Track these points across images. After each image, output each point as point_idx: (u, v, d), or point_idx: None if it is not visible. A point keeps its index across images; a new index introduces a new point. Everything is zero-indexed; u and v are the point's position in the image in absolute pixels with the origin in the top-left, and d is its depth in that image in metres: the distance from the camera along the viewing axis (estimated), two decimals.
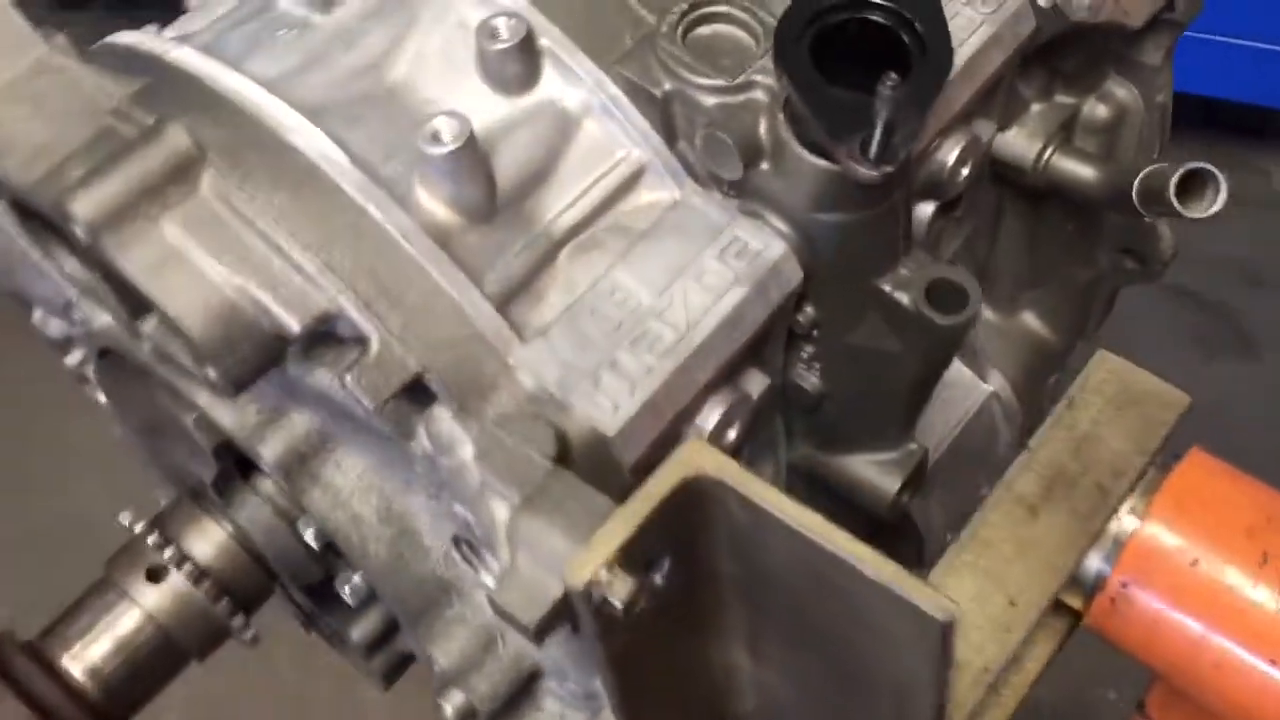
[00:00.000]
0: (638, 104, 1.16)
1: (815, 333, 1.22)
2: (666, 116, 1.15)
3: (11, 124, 1.05)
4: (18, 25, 1.11)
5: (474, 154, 1.07)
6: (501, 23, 1.14)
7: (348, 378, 1.00)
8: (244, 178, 1.04)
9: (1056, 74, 1.43)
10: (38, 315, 1.37)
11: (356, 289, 1.03)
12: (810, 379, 1.27)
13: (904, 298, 1.17)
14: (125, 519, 1.30)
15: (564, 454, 0.99)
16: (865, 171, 1.03)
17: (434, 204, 1.09)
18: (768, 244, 1.13)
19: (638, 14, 1.19)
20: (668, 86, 1.14)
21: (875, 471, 1.34)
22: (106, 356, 1.30)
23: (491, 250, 1.11)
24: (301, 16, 1.18)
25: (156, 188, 1.01)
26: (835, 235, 1.14)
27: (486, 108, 1.15)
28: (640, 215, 1.16)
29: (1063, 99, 1.45)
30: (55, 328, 1.37)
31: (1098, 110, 1.49)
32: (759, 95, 1.12)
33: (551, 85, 1.16)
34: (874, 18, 1.07)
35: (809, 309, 1.19)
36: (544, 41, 1.15)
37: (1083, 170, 1.41)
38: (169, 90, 1.10)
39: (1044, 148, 1.41)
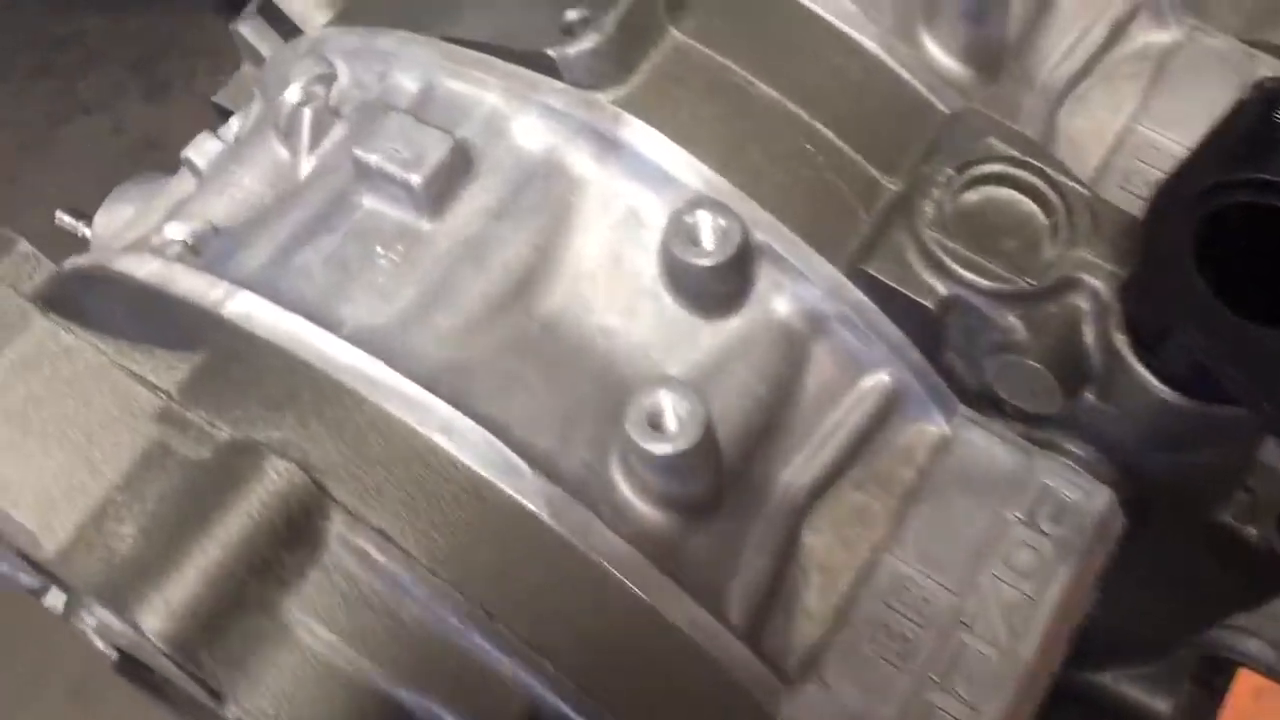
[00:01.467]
0: (889, 309, 0.83)
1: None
2: (931, 323, 0.82)
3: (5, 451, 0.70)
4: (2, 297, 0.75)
5: (709, 444, 0.73)
6: (703, 223, 0.79)
7: None
8: (377, 506, 0.70)
9: None
10: (4, 567, 1.00)
11: (570, 668, 0.70)
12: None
13: (1251, 531, 0.86)
14: None
15: None
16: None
17: (647, 507, 0.76)
18: (1089, 493, 0.82)
19: (866, 173, 0.86)
20: (942, 291, 0.81)
21: (1141, 691, 1.05)
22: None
23: (722, 552, 0.78)
24: (402, 222, 0.82)
25: (264, 561, 0.67)
26: (1175, 473, 0.83)
27: (684, 337, 0.82)
28: (902, 461, 0.84)
29: None
30: (28, 579, 1.01)
31: None
32: (1079, 302, 0.80)
33: (770, 296, 0.82)
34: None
35: None
36: (759, 236, 0.81)
37: None
38: (235, 368, 0.75)
39: None
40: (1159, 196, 0.76)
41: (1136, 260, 0.77)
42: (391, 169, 0.80)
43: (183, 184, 1.00)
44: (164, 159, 3.34)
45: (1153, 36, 1.00)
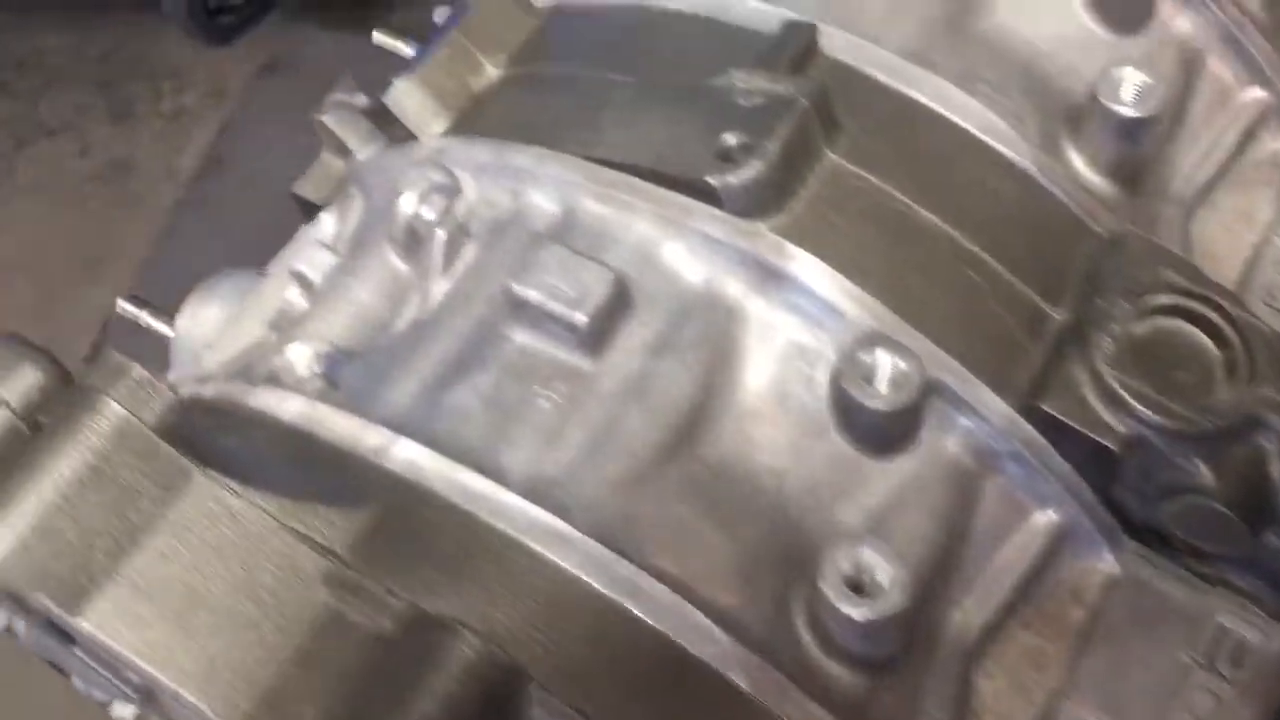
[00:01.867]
0: (1059, 445, 0.80)
1: None
2: (1106, 462, 0.80)
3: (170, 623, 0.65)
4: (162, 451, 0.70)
5: (912, 607, 0.70)
6: (881, 364, 0.76)
7: None
8: (573, 682, 0.67)
9: None
10: (78, 682, 0.95)
11: None
12: None
13: None
14: None
15: None
16: None
17: (835, 666, 0.73)
18: (1268, 634, 0.79)
19: (1031, 301, 0.83)
20: (1123, 430, 0.78)
21: None
22: None
23: (906, 708, 0.75)
24: (560, 360, 0.78)
25: None
26: None
27: (854, 478, 0.78)
28: (1072, 600, 0.81)
29: None
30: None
31: None
32: (1265, 442, 0.77)
33: (941, 434, 0.79)
34: None
35: None
36: (932, 372, 0.78)
37: None
38: (404, 525, 0.71)
39: None
40: None
41: None
42: (554, 307, 0.76)
43: (278, 288, 0.95)
44: (132, 182, 3.25)
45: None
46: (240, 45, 3.42)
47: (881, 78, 0.87)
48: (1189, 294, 0.81)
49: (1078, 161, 0.89)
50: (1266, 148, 0.98)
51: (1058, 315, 0.82)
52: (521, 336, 0.78)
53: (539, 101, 0.90)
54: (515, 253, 0.82)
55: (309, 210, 1.08)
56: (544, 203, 0.84)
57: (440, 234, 0.84)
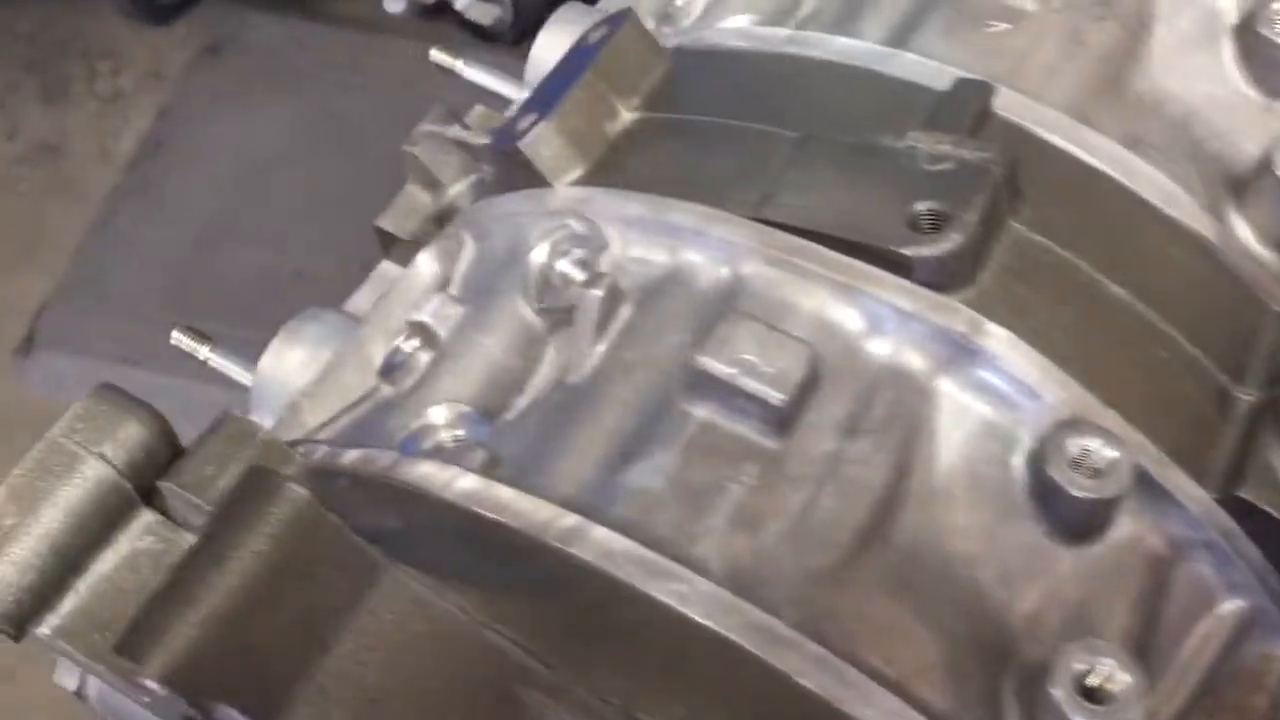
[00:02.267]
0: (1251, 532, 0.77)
1: None
2: None
3: None
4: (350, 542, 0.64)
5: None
6: (1093, 452, 0.72)
7: None
8: None
9: None
10: None
11: None
12: None
13: None
14: None
15: None
16: None
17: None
18: None
19: (1218, 382, 0.80)
20: None
21: None
22: None
23: None
24: (746, 439, 0.73)
25: None
26: None
27: (1046, 564, 0.75)
28: (1253, 688, 0.79)
29: None
30: None
31: None
32: None
33: (1136, 521, 0.76)
34: None
35: None
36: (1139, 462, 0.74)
37: None
38: (607, 623, 0.66)
39: None
40: None
41: None
42: (748, 384, 0.71)
43: (385, 335, 0.89)
44: (64, 166, 3.12)
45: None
46: (180, 25, 3.29)
47: (1055, 140, 0.83)
48: None
49: (1244, 232, 0.86)
50: None
51: (1245, 396, 0.79)
52: (702, 412, 0.73)
53: (690, 153, 0.84)
54: (683, 318, 0.76)
55: (389, 243, 1.02)
56: (708, 265, 0.79)
57: (595, 293, 0.79)
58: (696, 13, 1.01)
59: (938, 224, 0.75)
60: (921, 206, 0.75)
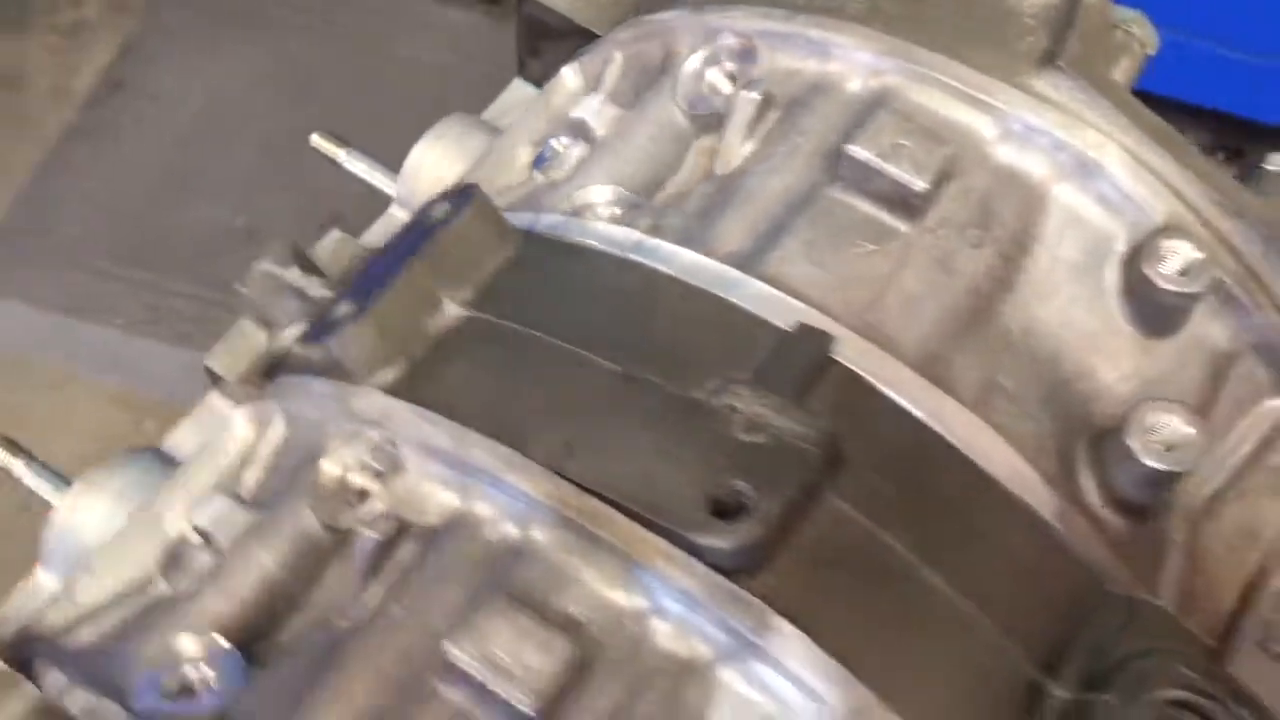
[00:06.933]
0: None
1: None
2: None
3: None
4: None
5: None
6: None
7: None
8: None
9: None
10: None
11: None
12: None
13: None
14: None
15: None
16: None
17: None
18: None
19: (1027, 673, 0.74)
20: None
21: None
22: None
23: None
24: None
25: None
26: None
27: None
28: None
29: None
30: None
31: None
32: None
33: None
34: None
35: None
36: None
37: None
38: None
39: None
40: None
41: None
42: (495, 687, 0.67)
43: (201, 516, 0.84)
44: (19, 100, 3.05)
45: None
46: None
47: (898, 399, 0.77)
48: (1194, 689, 0.73)
49: (1091, 492, 0.81)
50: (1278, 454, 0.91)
51: (1058, 693, 0.74)
52: (456, 696, 0.69)
53: (508, 372, 0.78)
54: (435, 597, 0.72)
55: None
56: (497, 521, 0.74)
57: (371, 536, 0.73)
58: (569, 165, 0.95)
59: (740, 507, 0.69)
60: (724, 487, 0.69)
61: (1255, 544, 0.89)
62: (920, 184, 0.82)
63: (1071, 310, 0.85)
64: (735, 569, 0.70)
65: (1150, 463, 0.78)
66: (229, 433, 0.87)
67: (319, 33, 3.06)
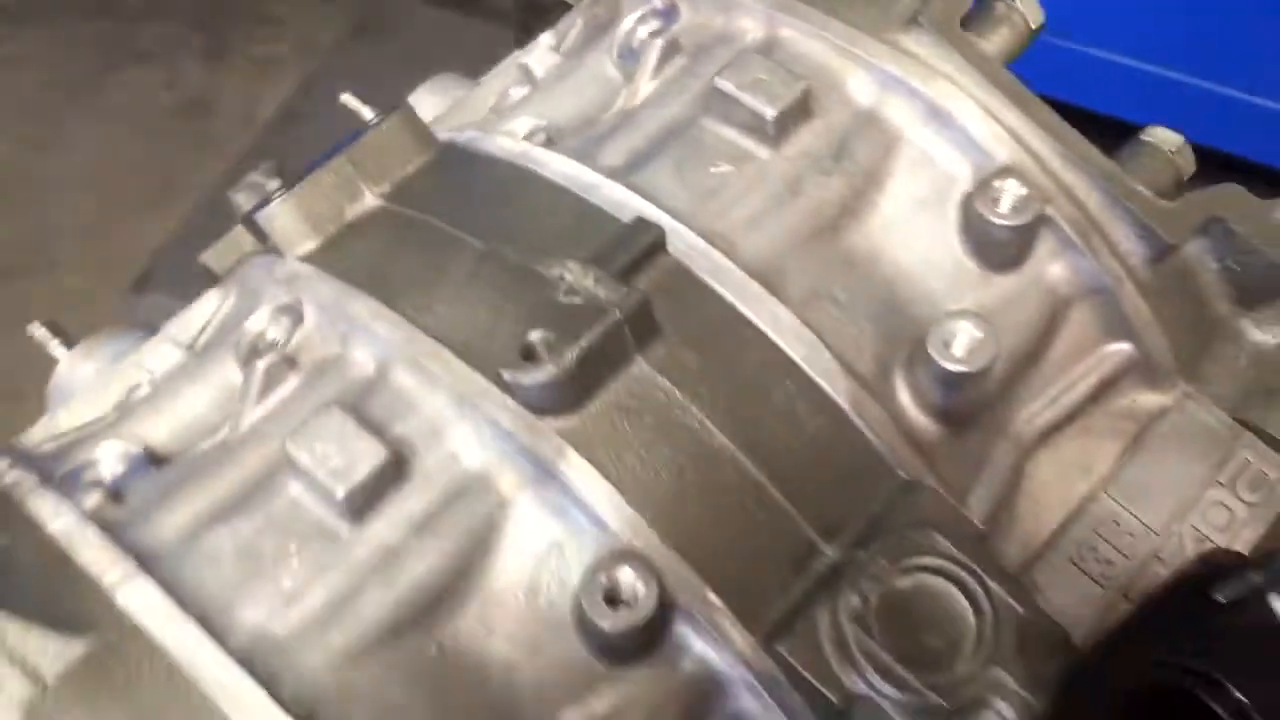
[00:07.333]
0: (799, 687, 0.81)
1: None
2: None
3: None
4: None
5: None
6: (623, 582, 0.78)
7: None
8: None
9: None
10: None
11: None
12: None
13: None
14: None
15: None
16: None
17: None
18: None
19: (806, 537, 0.84)
20: (849, 689, 0.79)
21: None
22: None
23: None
24: (322, 522, 0.81)
25: None
26: None
27: (585, 680, 0.81)
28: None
29: None
30: None
31: None
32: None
33: (681, 652, 0.81)
34: (1201, 695, 0.73)
35: None
36: (680, 597, 0.80)
37: None
38: (117, 668, 0.75)
39: None
40: (1074, 676, 0.74)
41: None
42: (319, 475, 0.79)
43: (152, 360, 0.99)
44: (209, 123, 3.29)
45: (1142, 397, 0.98)
46: (343, 4, 3.46)
47: (716, 288, 0.87)
48: (954, 560, 0.81)
49: (905, 396, 0.90)
50: (1125, 399, 0.98)
51: (830, 554, 0.83)
52: (294, 490, 0.82)
53: (394, 249, 0.92)
54: (300, 417, 0.84)
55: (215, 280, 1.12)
56: (363, 358, 0.87)
57: (260, 367, 0.88)
58: (513, 102, 1.09)
59: (545, 355, 0.81)
60: (536, 335, 0.81)
61: (1086, 476, 0.96)
62: (771, 112, 0.93)
63: (916, 241, 0.94)
64: (542, 409, 0.82)
65: (943, 363, 0.87)
66: (198, 307, 1.02)
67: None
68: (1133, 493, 0.95)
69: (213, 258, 1.11)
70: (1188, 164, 1.03)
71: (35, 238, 3.10)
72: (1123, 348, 0.97)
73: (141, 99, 3.30)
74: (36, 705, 0.72)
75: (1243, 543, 0.95)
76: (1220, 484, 0.96)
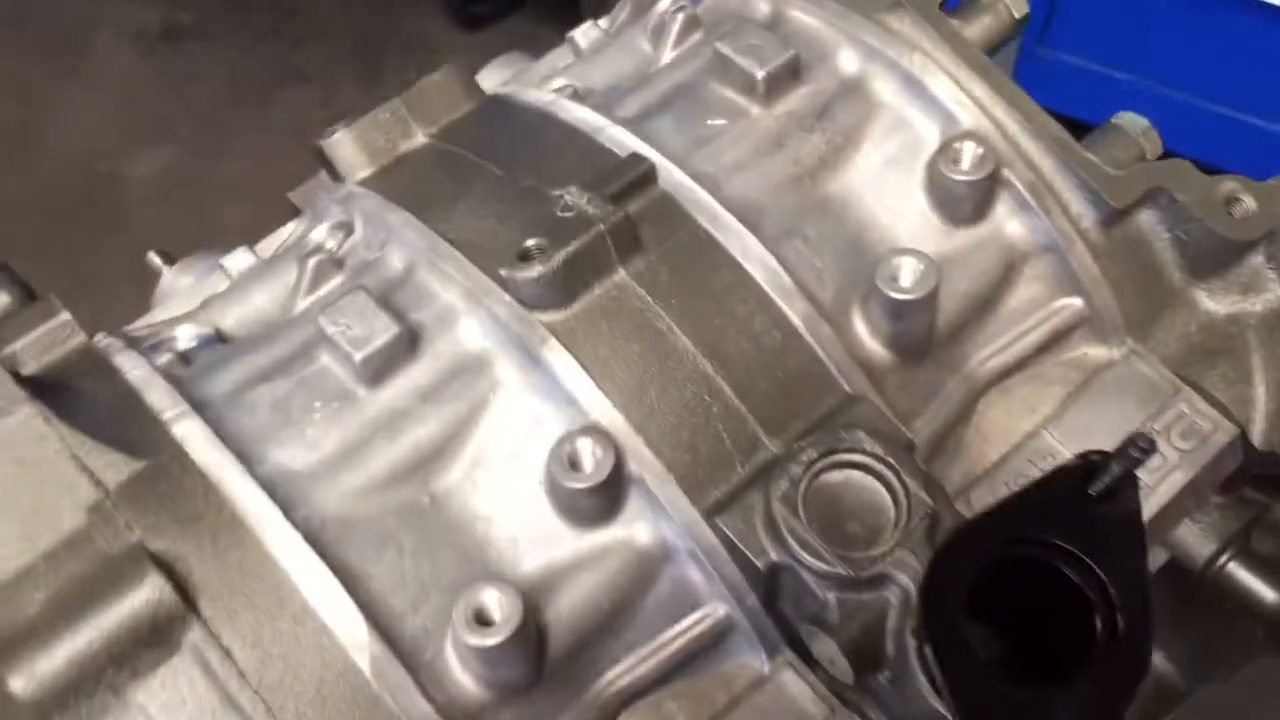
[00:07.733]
0: (735, 557, 0.94)
1: None
2: (764, 579, 0.93)
3: None
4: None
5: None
6: (583, 450, 0.93)
7: None
8: (230, 628, 0.86)
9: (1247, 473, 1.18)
10: None
11: None
12: None
13: None
14: None
15: None
16: None
17: (468, 681, 0.89)
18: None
19: (752, 432, 0.97)
20: (773, 557, 0.92)
21: None
22: None
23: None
24: (344, 385, 0.97)
25: (124, 654, 0.83)
26: None
27: (550, 537, 0.95)
28: (721, 686, 0.96)
29: (1252, 495, 1.20)
30: None
31: None
32: (890, 596, 0.90)
33: (635, 526, 0.95)
34: (1067, 572, 0.85)
35: None
36: (634, 468, 0.94)
37: (1263, 591, 1.17)
38: (165, 482, 0.90)
39: (1218, 552, 1.17)
40: (954, 537, 0.86)
41: (924, 582, 0.87)
42: (341, 342, 0.95)
43: (233, 267, 1.17)
44: None
45: (1092, 350, 1.09)
46: (493, 34, 3.69)
47: (700, 221, 1.01)
48: (876, 457, 0.93)
49: (860, 327, 1.03)
50: (1075, 351, 1.09)
51: (771, 448, 0.96)
52: (325, 359, 0.98)
53: (430, 174, 1.08)
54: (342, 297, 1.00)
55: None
56: (395, 260, 1.03)
57: (311, 263, 1.04)
58: (559, 69, 1.25)
59: (537, 257, 0.96)
60: (532, 242, 0.97)
61: (1031, 416, 1.08)
62: (760, 72, 1.07)
63: (886, 195, 1.08)
64: (534, 304, 0.97)
65: (889, 293, 0.99)
66: (282, 231, 1.20)
67: None
68: (1072, 431, 1.06)
69: (298, 196, 1.29)
70: (1154, 145, 1.14)
71: (196, 236, 3.36)
72: (1073, 303, 1.08)
73: (301, 115, 3.56)
74: (99, 504, 0.88)
75: (1171, 485, 1.06)
76: (1156, 430, 1.06)
